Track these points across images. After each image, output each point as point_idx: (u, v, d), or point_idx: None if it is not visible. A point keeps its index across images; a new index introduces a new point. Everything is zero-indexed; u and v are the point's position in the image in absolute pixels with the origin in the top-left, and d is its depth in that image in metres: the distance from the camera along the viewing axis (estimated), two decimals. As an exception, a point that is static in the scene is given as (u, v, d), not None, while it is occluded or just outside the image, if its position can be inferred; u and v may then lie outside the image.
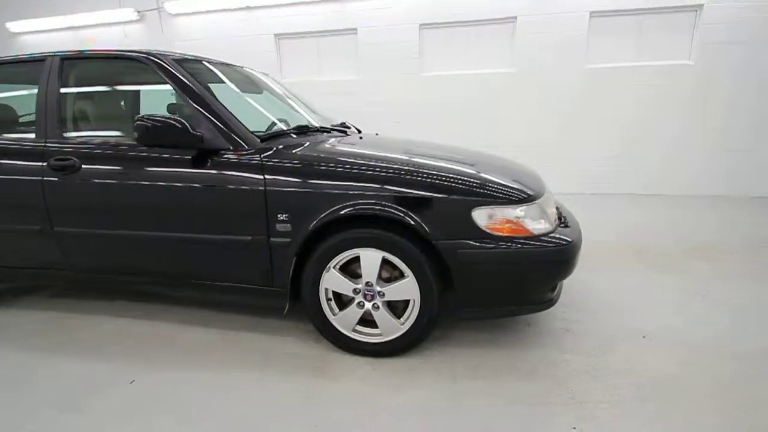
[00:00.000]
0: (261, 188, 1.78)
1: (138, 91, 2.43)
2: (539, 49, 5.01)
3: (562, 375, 1.76)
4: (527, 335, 2.06)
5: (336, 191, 1.73)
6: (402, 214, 1.68)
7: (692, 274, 2.72)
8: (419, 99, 5.41)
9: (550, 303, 1.84)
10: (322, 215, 1.73)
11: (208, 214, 1.87)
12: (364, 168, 1.77)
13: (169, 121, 1.74)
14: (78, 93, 2.16)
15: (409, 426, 1.50)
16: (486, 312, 1.84)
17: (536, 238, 1.70)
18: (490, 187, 1.73)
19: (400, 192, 1.69)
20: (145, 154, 1.92)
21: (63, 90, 2.06)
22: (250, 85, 2.56)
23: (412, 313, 1.81)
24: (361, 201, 1.70)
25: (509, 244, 1.67)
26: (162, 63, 1.97)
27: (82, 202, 1.99)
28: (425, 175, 1.73)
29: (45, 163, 1.98)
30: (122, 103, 2.48)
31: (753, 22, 4.50)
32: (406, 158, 1.89)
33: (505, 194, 1.72)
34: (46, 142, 2.02)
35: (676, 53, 4.81)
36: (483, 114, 5.30)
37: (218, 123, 1.86)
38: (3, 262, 2.24)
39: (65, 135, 2.04)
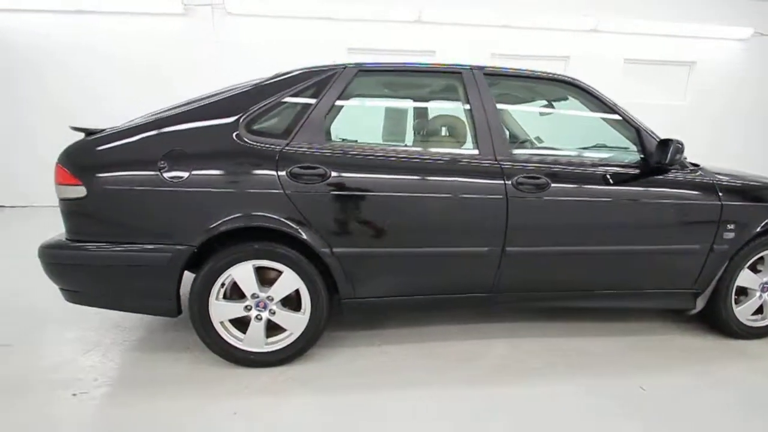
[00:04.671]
0: (718, 203, 2.10)
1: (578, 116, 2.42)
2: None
3: None
4: None
5: None
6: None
7: None
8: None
9: None
10: (764, 223, 2.14)
11: (663, 228, 2.10)
12: None
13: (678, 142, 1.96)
14: (509, 110, 2.13)
15: None
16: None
17: None
18: None
19: None
20: (598, 171, 2.05)
21: (500, 106, 2.02)
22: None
23: (789, 298, 2.32)
24: None
25: None
26: (591, 90, 2.15)
27: (545, 220, 1.99)
28: None
29: (509, 182, 1.91)
30: (577, 124, 2.45)
31: (733, 74, 6.27)
32: None
33: None
34: (498, 160, 1.95)
35: (674, 96, 6.34)
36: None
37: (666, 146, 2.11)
38: (425, 290, 2.02)
39: (513, 152, 2.01)
